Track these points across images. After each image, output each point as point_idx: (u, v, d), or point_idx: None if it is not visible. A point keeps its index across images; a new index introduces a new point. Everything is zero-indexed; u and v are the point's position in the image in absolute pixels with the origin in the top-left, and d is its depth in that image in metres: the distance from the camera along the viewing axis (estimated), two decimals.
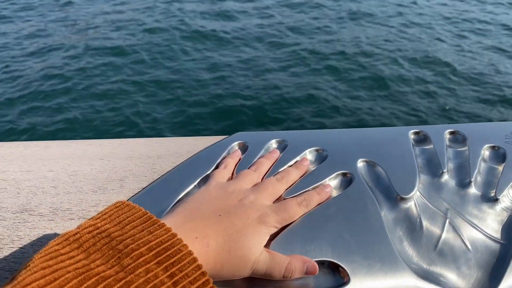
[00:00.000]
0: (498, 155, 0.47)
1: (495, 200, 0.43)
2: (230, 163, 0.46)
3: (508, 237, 0.41)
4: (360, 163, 0.45)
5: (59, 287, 0.24)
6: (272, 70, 3.28)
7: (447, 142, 0.49)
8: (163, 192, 0.42)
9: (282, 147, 0.48)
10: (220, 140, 0.49)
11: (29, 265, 0.26)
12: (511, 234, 0.41)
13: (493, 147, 0.48)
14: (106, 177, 0.44)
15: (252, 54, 3.53)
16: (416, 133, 0.50)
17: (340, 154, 0.46)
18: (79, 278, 0.25)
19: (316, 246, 0.39)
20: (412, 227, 0.41)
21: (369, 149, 0.47)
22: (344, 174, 0.45)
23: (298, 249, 0.38)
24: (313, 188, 0.43)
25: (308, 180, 0.44)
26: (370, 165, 0.45)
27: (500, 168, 0.46)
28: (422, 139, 0.50)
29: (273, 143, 0.49)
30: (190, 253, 0.30)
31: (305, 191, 0.43)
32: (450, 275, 0.39)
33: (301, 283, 0.37)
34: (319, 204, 0.42)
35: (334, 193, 0.43)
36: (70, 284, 0.25)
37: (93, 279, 0.25)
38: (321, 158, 0.47)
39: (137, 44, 3.74)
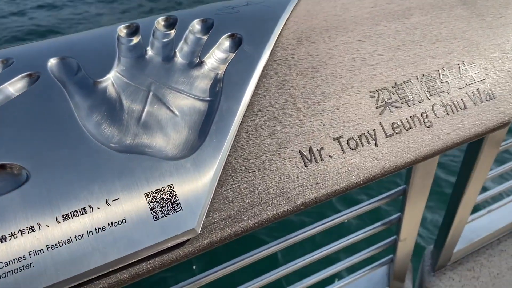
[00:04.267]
0: (207, 26, 0.46)
1: (201, 63, 0.41)
2: None
3: (213, 93, 0.39)
4: (52, 62, 0.39)
5: None
6: None
7: (156, 27, 0.45)
8: None
9: None
10: None
11: None
12: (216, 90, 0.39)
13: (202, 20, 0.46)
14: None
15: None
16: (127, 27, 0.46)
17: (28, 58, 0.40)
18: None
19: None
20: (112, 109, 0.37)
21: (64, 47, 0.41)
22: (29, 76, 0.38)
23: None
24: None
25: None
26: (62, 60, 0.40)
27: (206, 36, 0.44)
28: (133, 31, 0.46)
29: None
30: None
31: None
32: (157, 143, 0.35)
33: None
34: None
35: None
36: None
37: None
38: (5, 67, 0.40)
39: None
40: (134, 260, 0.31)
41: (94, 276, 0.30)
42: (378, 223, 0.77)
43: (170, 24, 0.46)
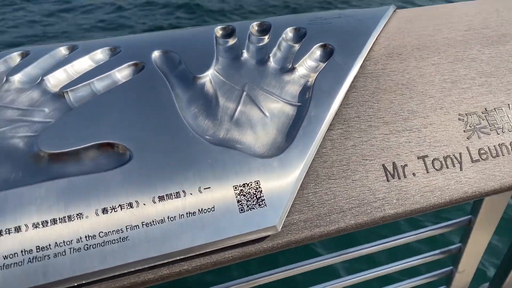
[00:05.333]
0: (300, 35, 0.47)
1: (292, 69, 0.42)
2: None
3: (303, 99, 0.40)
4: (156, 54, 0.42)
5: None
6: None
7: (251, 31, 0.47)
8: None
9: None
10: None
11: None
12: (305, 97, 0.40)
13: (295, 29, 0.47)
14: None
15: None
16: (223, 29, 0.48)
17: (134, 48, 0.43)
18: None
19: (96, 130, 0.35)
20: (208, 104, 0.39)
21: (166, 41, 0.44)
22: (135, 65, 0.41)
23: (72, 137, 0.34)
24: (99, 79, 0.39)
25: (94, 73, 0.40)
26: (165, 53, 0.42)
27: (298, 45, 0.45)
28: (228, 33, 0.48)
29: (62, 49, 0.43)
30: None
31: (88, 83, 0.39)
32: (247, 140, 0.37)
33: (81, 170, 0.33)
34: None
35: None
36: None
37: None
38: (114, 55, 0.43)
39: None
40: (217, 248, 0.33)
41: (181, 257, 0.32)
42: (437, 251, 0.75)
43: (264, 29, 0.48)
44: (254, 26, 0.48)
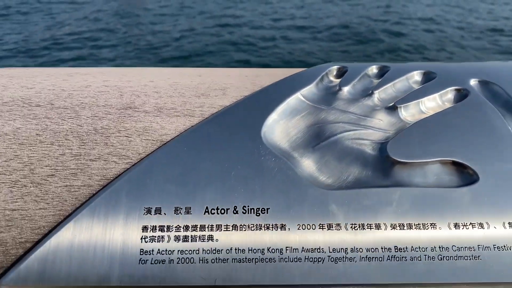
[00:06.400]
0: None
1: None
2: None
3: None
4: (473, 82, 0.42)
5: None
6: None
7: None
8: (265, 99, 0.41)
9: (383, 72, 0.46)
10: (315, 67, 0.48)
11: None
12: None
13: None
14: (208, 87, 0.43)
15: None
16: None
17: (450, 75, 0.44)
18: None
19: (438, 147, 0.36)
20: None
21: (480, 71, 0.44)
22: (457, 90, 0.42)
23: (417, 150, 0.35)
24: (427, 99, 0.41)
25: (417, 94, 0.41)
26: (484, 83, 0.42)
27: None
28: None
29: (373, 69, 0.46)
30: None
31: (416, 102, 0.40)
32: None
33: (425, 182, 0.34)
34: None
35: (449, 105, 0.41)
36: None
37: None
38: (429, 79, 0.44)
39: None
40: None
41: None
42: None
43: None
44: None
